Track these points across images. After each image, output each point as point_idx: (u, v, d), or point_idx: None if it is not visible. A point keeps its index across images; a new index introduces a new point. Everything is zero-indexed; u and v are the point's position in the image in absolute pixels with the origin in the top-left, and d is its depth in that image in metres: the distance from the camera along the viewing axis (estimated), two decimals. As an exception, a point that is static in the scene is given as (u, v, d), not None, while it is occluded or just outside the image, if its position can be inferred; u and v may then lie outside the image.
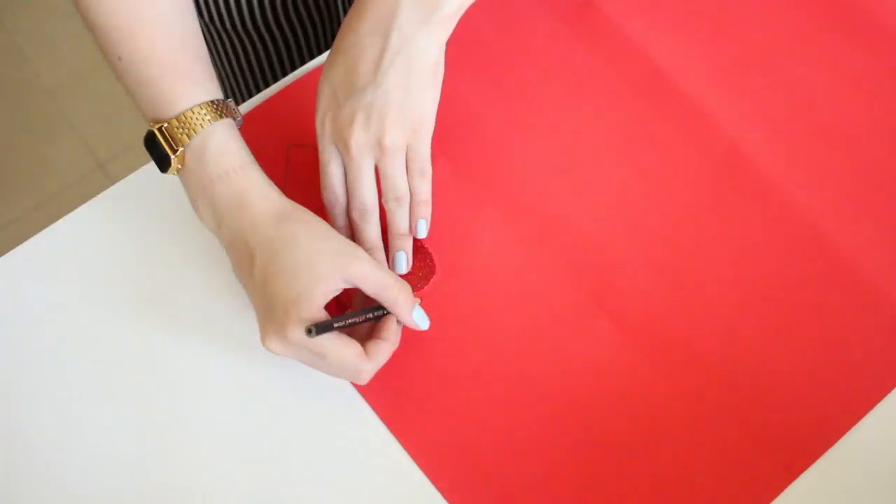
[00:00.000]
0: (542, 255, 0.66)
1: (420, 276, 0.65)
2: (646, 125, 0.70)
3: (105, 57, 0.62)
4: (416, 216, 0.64)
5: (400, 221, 0.63)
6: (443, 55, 0.61)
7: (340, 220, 0.64)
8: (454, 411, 0.61)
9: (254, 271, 0.58)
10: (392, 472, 0.60)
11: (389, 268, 0.63)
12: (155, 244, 0.66)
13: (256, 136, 0.69)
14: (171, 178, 0.68)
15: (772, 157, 0.69)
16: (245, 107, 0.71)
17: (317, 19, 0.88)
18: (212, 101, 0.61)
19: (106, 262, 0.66)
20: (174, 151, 0.60)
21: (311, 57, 0.90)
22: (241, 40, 0.87)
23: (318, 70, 0.72)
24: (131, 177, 0.69)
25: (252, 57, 0.89)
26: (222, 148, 0.60)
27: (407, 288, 0.59)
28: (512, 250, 0.66)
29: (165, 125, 0.60)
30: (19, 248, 0.66)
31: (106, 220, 0.67)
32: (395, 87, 0.59)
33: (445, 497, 0.59)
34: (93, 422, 0.62)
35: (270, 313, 0.57)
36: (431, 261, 0.65)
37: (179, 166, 0.60)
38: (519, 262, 0.65)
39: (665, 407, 0.61)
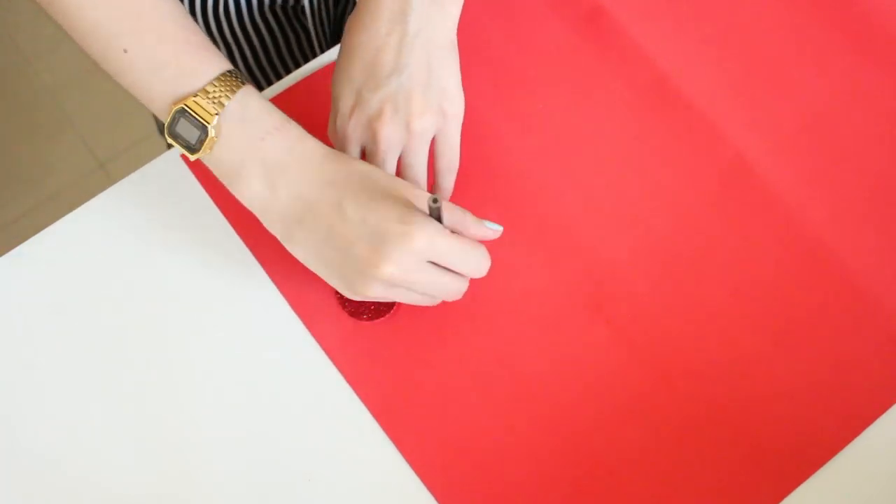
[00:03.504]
0: (542, 259, 0.66)
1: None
2: (651, 132, 0.70)
3: (103, 56, 0.59)
4: None
5: None
6: (456, 33, 0.60)
7: None
8: (450, 414, 0.61)
9: (344, 207, 0.54)
10: (386, 473, 0.60)
11: None
12: (155, 244, 0.66)
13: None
14: (170, 177, 0.68)
15: (777, 168, 0.68)
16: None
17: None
18: (230, 70, 0.58)
19: (106, 262, 0.66)
20: (208, 123, 0.56)
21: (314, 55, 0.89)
22: (247, 36, 0.85)
23: (322, 70, 0.72)
24: (131, 177, 0.68)
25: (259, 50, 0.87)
26: (264, 105, 0.57)
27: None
28: (511, 254, 0.65)
29: (194, 98, 0.56)
30: (19, 248, 0.66)
31: (106, 220, 0.67)
32: (417, 69, 0.58)
33: (438, 500, 0.59)
34: (92, 422, 0.62)
35: (385, 232, 0.53)
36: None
37: (216, 137, 0.56)
38: (517, 265, 0.65)
39: (661, 414, 0.61)
